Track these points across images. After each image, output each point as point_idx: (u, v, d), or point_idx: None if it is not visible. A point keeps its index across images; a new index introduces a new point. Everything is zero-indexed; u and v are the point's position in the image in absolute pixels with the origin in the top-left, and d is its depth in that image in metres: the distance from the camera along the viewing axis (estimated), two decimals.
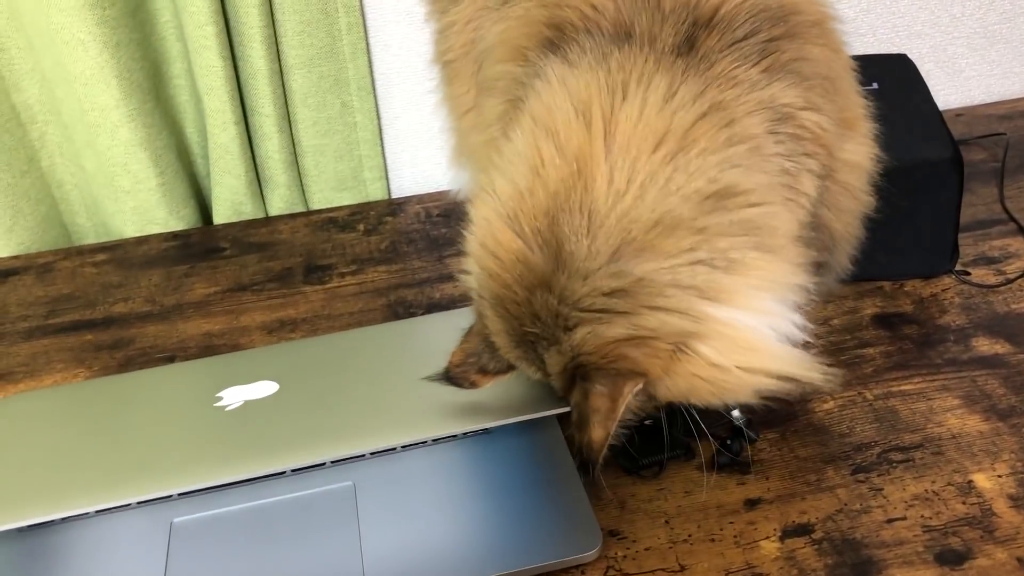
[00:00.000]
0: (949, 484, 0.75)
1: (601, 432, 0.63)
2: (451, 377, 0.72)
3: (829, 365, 0.65)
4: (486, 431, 0.78)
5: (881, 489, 0.75)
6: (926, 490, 0.75)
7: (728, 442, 0.79)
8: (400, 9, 1.16)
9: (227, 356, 0.90)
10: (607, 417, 0.63)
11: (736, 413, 0.81)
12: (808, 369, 0.64)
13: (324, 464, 0.75)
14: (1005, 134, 1.21)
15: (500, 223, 0.64)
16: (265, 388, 0.80)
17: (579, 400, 0.64)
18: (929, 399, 0.83)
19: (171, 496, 0.72)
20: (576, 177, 0.62)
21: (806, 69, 0.68)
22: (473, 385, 0.71)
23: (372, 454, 0.76)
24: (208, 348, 0.98)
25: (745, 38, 0.67)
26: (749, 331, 0.62)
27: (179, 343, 1.00)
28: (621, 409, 0.62)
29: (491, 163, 0.71)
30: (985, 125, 1.27)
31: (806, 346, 0.65)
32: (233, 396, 0.79)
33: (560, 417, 0.78)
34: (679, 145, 0.62)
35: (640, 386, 0.63)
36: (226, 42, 1.09)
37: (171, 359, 0.97)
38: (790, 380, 0.64)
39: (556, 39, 0.71)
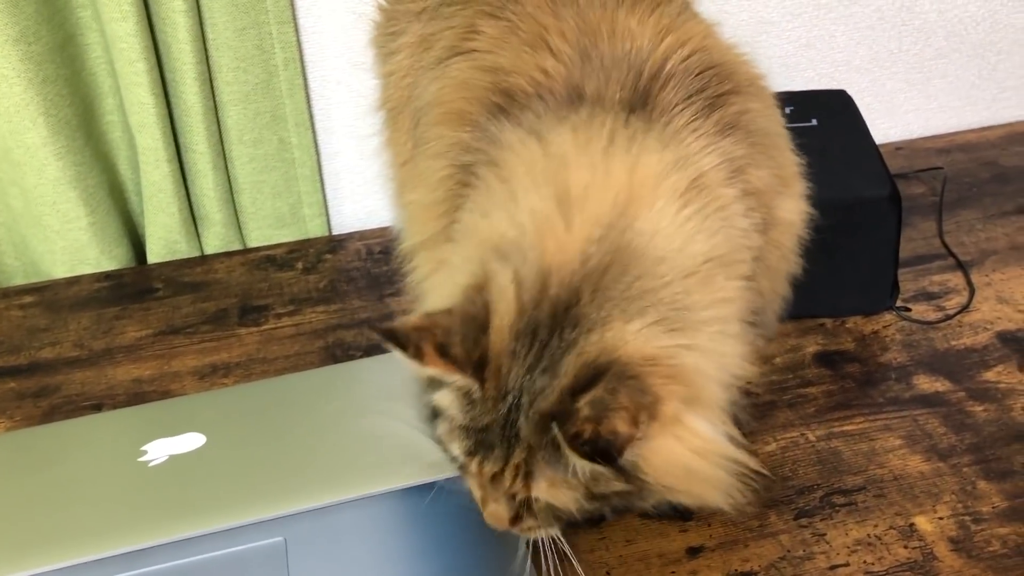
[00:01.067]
0: (891, 528, 0.74)
1: (629, 427, 0.56)
2: (398, 335, 0.60)
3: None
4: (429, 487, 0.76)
5: (824, 534, 0.74)
6: (868, 534, 0.74)
7: None
8: (339, 43, 1.14)
9: (154, 405, 0.87)
10: (633, 421, 0.56)
11: None
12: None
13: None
14: (943, 168, 1.22)
15: (552, 220, 0.61)
16: (192, 441, 0.77)
17: (592, 402, 0.57)
18: (871, 439, 0.83)
19: (90, 562, 0.68)
20: (627, 212, 0.61)
21: (751, 124, 0.69)
22: (419, 355, 0.59)
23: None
24: (137, 395, 0.95)
25: (697, 92, 0.67)
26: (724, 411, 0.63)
27: (107, 390, 0.96)
28: (641, 423, 0.57)
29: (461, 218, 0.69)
30: (924, 159, 1.28)
31: (748, 395, 0.65)
32: (158, 450, 0.76)
33: None
34: (698, 204, 0.63)
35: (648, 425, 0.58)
36: (158, 79, 1.06)
37: (98, 407, 0.94)
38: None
39: (505, 105, 0.70)
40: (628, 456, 0.58)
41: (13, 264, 1.20)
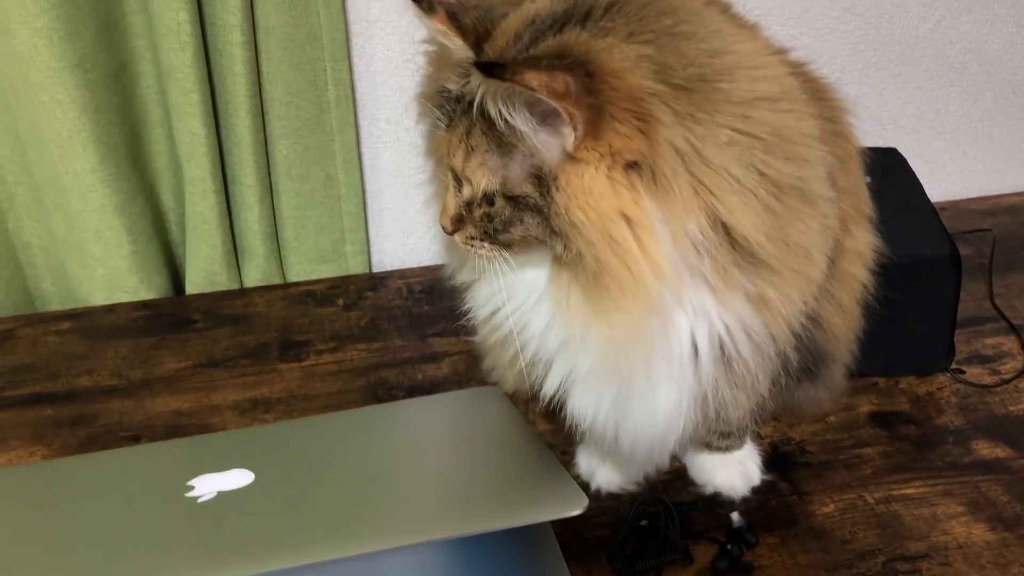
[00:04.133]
0: None
1: (541, 83, 0.54)
2: None
3: None
4: (476, 539, 0.74)
5: None
6: None
7: (727, 546, 0.75)
8: (390, 84, 1.14)
9: (198, 438, 0.85)
10: (554, 93, 0.55)
11: (735, 516, 0.78)
12: None
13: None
14: (991, 230, 1.21)
15: None
16: (240, 478, 0.74)
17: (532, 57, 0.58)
18: (932, 504, 0.81)
19: None
20: None
21: (838, 150, 0.68)
22: (430, 8, 0.61)
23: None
24: (176, 428, 0.93)
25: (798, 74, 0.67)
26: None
27: (145, 421, 0.94)
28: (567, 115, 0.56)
29: None
30: (969, 220, 1.27)
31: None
32: (206, 485, 0.74)
33: (557, 524, 0.74)
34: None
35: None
36: (210, 110, 1.06)
37: (136, 439, 0.92)
38: None
39: None
40: (546, 153, 0.58)
41: (50, 289, 1.19)
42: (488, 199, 0.62)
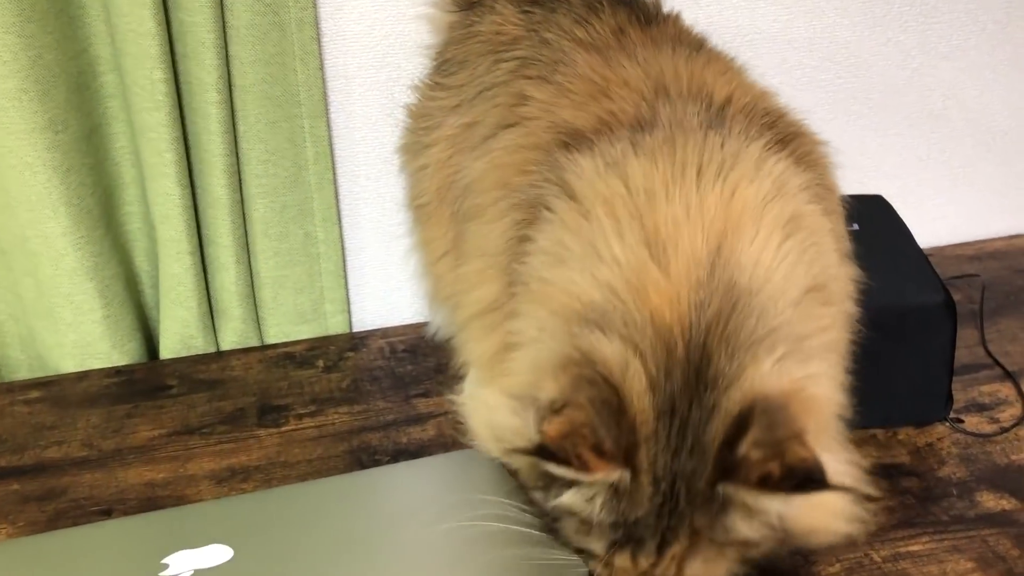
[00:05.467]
0: None
1: (810, 451, 0.52)
2: (551, 452, 0.53)
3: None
4: None
5: None
6: None
7: None
8: (369, 138, 1.12)
9: (172, 511, 0.81)
10: (805, 444, 0.52)
11: None
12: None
13: None
14: (979, 275, 1.20)
15: (649, 277, 0.57)
16: (217, 554, 0.71)
17: (755, 443, 0.53)
18: (941, 561, 0.78)
19: None
20: (725, 248, 0.58)
21: (819, 169, 0.68)
22: (584, 466, 0.53)
23: None
24: (150, 500, 0.89)
25: (767, 128, 0.65)
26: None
27: (118, 494, 0.90)
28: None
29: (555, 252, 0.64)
30: (955, 266, 1.26)
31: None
32: (181, 563, 0.70)
33: None
34: (801, 234, 0.61)
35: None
36: (185, 170, 1.03)
37: (108, 513, 0.87)
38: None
39: (573, 142, 0.67)
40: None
41: (18, 357, 1.14)
42: None
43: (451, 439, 0.96)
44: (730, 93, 0.70)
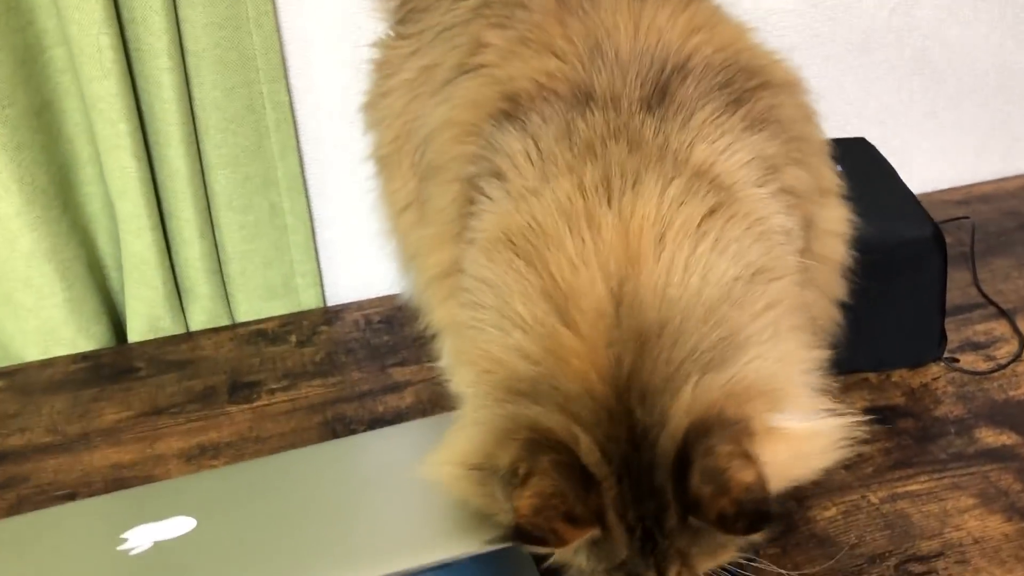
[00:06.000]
0: None
1: (751, 472, 0.51)
2: (527, 534, 0.53)
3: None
4: (447, 567, 0.67)
5: None
6: None
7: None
8: (332, 102, 1.08)
9: (137, 490, 0.78)
10: (746, 457, 0.51)
11: None
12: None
13: None
14: (968, 217, 1.16)
15: (553, 330, 0.55)
16: (180, 525, 0.67)
17: (707, 464, 0.52)
18: (941, 499, 0.74)
19: None
20: (629, 274, 0.56)
21: (784, 120, 0.63)
22: (562, 540, 0.53)
23: None
24: (116, 482, 0.85)
25: (720, 87, 0.61)
26: (808, 396, 0.58)
27: (83, 477, 0.86)
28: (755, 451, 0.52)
29: (459, 265, 0.64)
30: (943, 211, 1.22)
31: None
32: (140, 537, 0.66)
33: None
34: (713, 234, 0.57)
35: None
36: (141, 141, 0.99)
37: (72, 497, 0.84)
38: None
39: (511, 110, 0.64)
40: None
41: None
42: None
43: (429, 405, 0.93)
44: (689, 48, 0.65)
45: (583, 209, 0.57)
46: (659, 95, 0.61)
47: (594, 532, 0.55)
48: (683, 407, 0.53)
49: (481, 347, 0.58)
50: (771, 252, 0.58)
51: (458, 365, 0.64)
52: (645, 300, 0.55)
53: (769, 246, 0.58)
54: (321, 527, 0.66)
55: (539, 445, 0.54)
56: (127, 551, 0.64)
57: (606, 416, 0.54)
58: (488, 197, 0.62)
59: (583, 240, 0.56)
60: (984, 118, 1.30)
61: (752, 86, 0.63)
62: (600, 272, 0.55)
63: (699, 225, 0.57)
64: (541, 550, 0.55)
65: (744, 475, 0.50)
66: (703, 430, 0.52)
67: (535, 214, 0.58)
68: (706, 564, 0.57)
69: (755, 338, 0.56)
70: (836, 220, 0.72)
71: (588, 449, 0.54)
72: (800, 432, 0.56)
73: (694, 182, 0.57)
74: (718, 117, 0.61)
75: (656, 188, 0.57)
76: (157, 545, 0.65)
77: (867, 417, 0.59)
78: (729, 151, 0.59)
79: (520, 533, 0.52)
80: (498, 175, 0.61)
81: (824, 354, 0.62)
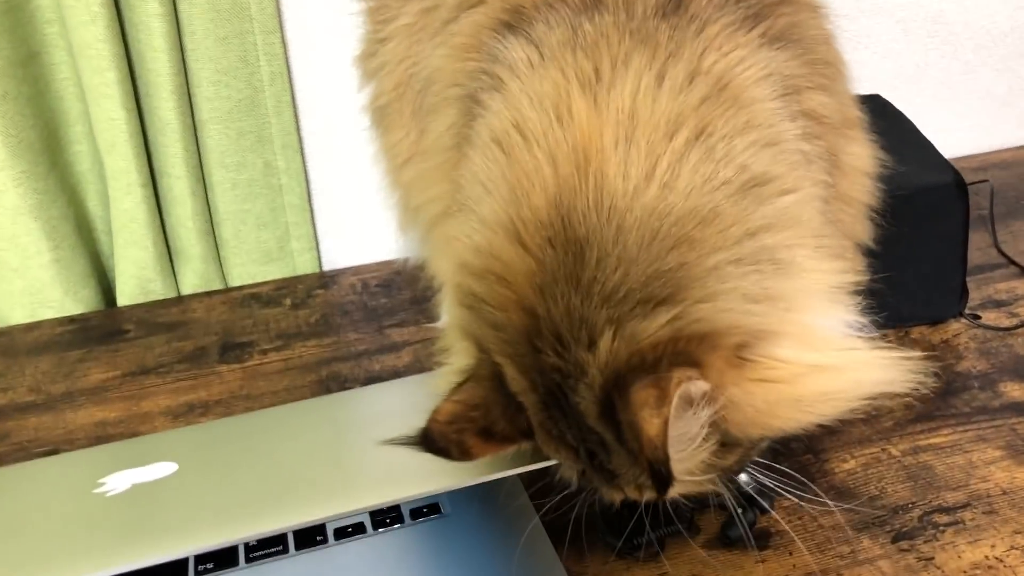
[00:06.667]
0: (1012, 548, 0.61)
1: (656, 422, 0.46)
2: (432, 440, 0.50)
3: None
4: (437, 510, 0.63)
5: (932, 558, 0.61)
6: (987, 556, 0.61)
7: (739, 511, 0.64)
8: (329, 54, 1.05)
9: (121, 443, 0.74)
10: (657, 405, 0.46)
11: (744, 477, 0.67)
12: (898, 370, 0.52)
13: (238, 565, 0.58)
14: (988, 181, 1.13)
15: (497, 238, 0.52)
16: (160, 470, 0.63)
17: (623, 418, 0.47)
18: (966, 452, 0.70)
19: None
20: (580, 176, 0.50)
21: (807, 40, 0.59)
22: (466, 453, 0.51)
23: (297, 544, 0.60)
24: (100, 439, 0.82)
25: (737, 0, 0.57)
26: (824, 330, 0.51)
27: (65, 435, 0.83)
28: (675, 399, 0.46)
29: (457, 181, 0.60)
30: None
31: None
32: (119, 481, 0.62)
33: (527, 478, 0.63)
34: (696, 129, 0.51)
35: (698, 386, 0.47)
36: (130, 90, 0.96)
37: (54, 453, 0.80)
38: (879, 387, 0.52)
39: (514, 22, 0.60)
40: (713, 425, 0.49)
41: None
42: None
43: (428, 365, 0.89)
44: None
45: (565, 99, 0.52)
46: (674, 3, 0.57)
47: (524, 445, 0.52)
48: (601, 359, 0.48)
49: (455, 240, 0.55)
50: (781, 161, 0.53)
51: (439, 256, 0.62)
52: (590, 211, 0.49)
53: (779, 155, 0.53)
54: (308, 469, 0.62)
55: (483, 360, 0.52)
56: (104, 493, 0.61)
57: (528, 350, 0.50)
58: (487, 108, 0.58)
59: (551, 135, 0.52)
60: (1003, 83, 1.26)
61: (772, 1, 0.59)
62: (554, 174, 0.50)
63: (684, 123, 0.51)
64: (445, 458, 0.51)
65: (648, 427, 0.46)
66: (622, 384, 0.47)
67: (523, 110, 0.54)
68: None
69: (727, 269, 0.49)
70: (862, 156, 0.67)
71: (513, 377, 0.51)
72: (791, 361, 0.50)
73: (695, 78, 0.53)
74: (735, 31, 0.56)
75: (642, 80, 0.52)
76: (136, 487, 0.61)
77: (917, 355, 0.53)
78: (743, 64, 0.55)
79: (426, 438, 0.50)
80: (498, 86, 0.57)
81: (861, 280, 0.56)
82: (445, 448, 0.50)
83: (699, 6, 0.56)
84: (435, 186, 0.67)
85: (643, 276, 0.48)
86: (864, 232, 0.69)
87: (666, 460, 0.46)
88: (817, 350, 0.50)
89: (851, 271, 0.56)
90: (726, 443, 0.51)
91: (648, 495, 0.53)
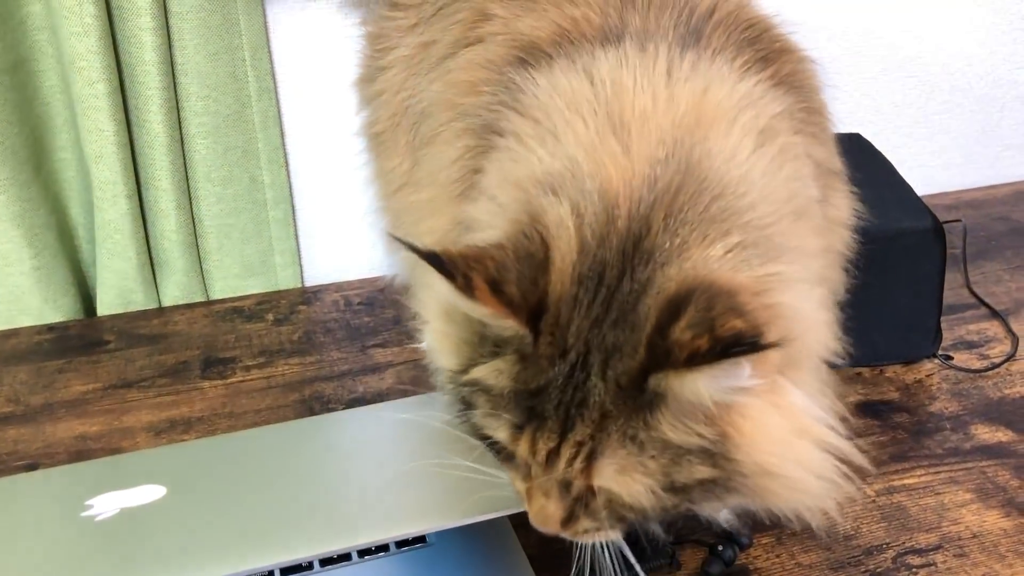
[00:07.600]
0: None
1: (742, 321, 0.46)
2: (444, 260, 0.48)
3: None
4: (423, 540, 0.64)
5: None
6: None
7: (719, 548, 0.66)
8: (315, 73, 1.05)
9: (103, 460, 0.74)
10: (742, 314, 0.46)
11: (725, 514, 0.69)
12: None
13: None
14: (961, 220, 1.15)
15: (607, 146, 0.53)
16: (148, 493, 0.63)
17: (688, 324, 0.46)
18: (938, 493, 0.72)
19: None
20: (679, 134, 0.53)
21: (806, 90, 0.61)
22: (468, 287, 0.48)
23: (283, 571, 0.60)
24: (81, 454, 0.81)
25: (748, 44, 0.59)
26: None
27: (45, 448, 0.82)
28: (736, 352, 0.45)
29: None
30: None
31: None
32: (106, 504, 0.62)
33: (515, 520, 0.64)
34: (761, 141, 0.55)
35: (753, 363, 0.47)
36: (120, 103, 0.95)
37: (34, 467, 0.80)
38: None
39: (529, 58, 0.61)
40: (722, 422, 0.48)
41: None
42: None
43: (411, 386, 0.89)
44: (708, 1, 0.64)
45: (653, 76, 0.55)
46: (694, 37, 0.59)
47: (520, 331, 0.50)
48: (707, 258, 0.49)
49: (524, 166, 0.55)
50: (812, 206, 0.57)
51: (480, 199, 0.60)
52: (711, 151, 0.52)
53: (810, 199, 0.57)
54: (297, 499, 0.62)
55: (520, 235, 0.51)
56: (92, 517, 0.61)
57: (606, 219, 0.50)
58: (504, 135, 0.58)
59: (656, 96, 0.54)
60: (975, 124, 1.30)
61: (777, 48, 0.61)
62: (671, 118, 0.53)
63: (760, 133, 0.55)
64: (443, 284, 0.49)
65: (738, 321, 0.45)
66: (715, 293, 0.47)
67: (599, 77, 0.56)
68: (614, 466, 0.50)
69: (793, 263, 0.52)
70: (842, 208, 0.70)
71: (566, 238, 0.50)
72: (802, 410, 0.51)
73: (751, 99, 0.56)
74: (750, 68, 0.59)
75: (724, 80, 0.56)
76: (124, 512, 0.61)
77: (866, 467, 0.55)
78: (765, 99, 0.57)
79: (434, 258, 0.48)
80: (524, 112, 0.58)
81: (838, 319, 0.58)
82: (451, 272, 0.48)
83: (718, 42, 0.59)
84: (430, 219, 0.68)
85: (751, 228, 0.51)
86: (839, 283, 0.71)
87: (682, 367, 0.46)
88: (815, 407, 0.52)
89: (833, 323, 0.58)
90: (706, 455, 0.50)
91: (552, 507, 0.52)
